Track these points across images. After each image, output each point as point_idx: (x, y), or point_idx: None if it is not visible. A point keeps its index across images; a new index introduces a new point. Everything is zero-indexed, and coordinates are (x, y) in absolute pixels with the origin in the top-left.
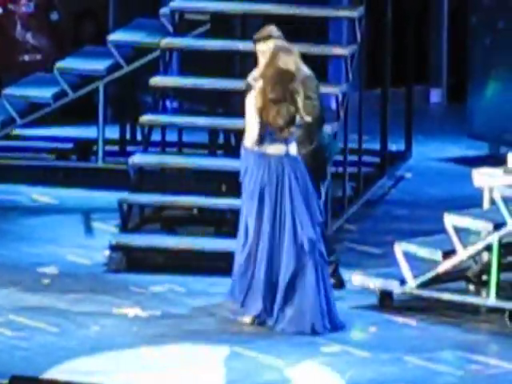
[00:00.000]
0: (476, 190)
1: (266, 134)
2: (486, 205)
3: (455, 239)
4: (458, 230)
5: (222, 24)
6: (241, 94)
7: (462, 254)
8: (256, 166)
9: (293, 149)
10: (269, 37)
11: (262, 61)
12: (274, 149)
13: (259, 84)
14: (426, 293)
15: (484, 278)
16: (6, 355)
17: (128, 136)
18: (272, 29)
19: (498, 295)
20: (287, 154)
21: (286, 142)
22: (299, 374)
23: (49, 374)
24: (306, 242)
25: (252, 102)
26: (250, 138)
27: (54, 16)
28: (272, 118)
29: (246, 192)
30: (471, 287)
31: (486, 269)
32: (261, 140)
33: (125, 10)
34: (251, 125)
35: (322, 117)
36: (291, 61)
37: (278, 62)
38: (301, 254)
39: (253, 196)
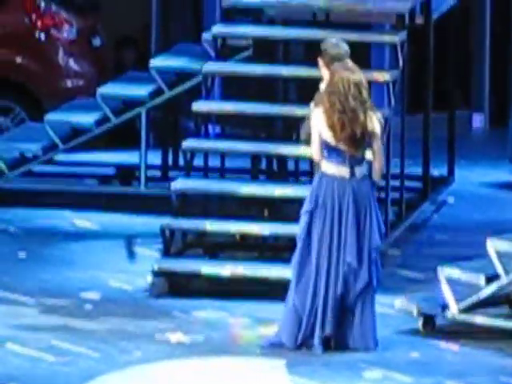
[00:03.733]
0: None
1: (332, 154)
2: None
3: (498, 264)
4: (500, 255)
5: (264, 49)
6: (283, 119)
7: (505, 279)
8: (323, 189)
9: (359, 171)
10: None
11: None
12: (339, 170)
13: (325, 100)
14: (468, 318)
15: None
16: (48, 381)
17: (170, 161)
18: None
19: None
20: (352, 177)
21: (354, 162)
22: None
23: None
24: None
25: (317, 120)
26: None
27: (97, 42)
28: (349, 132)
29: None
30: None
31: None
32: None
33: (166, 35)
34: (314, 144)
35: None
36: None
37: (340, 75)
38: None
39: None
